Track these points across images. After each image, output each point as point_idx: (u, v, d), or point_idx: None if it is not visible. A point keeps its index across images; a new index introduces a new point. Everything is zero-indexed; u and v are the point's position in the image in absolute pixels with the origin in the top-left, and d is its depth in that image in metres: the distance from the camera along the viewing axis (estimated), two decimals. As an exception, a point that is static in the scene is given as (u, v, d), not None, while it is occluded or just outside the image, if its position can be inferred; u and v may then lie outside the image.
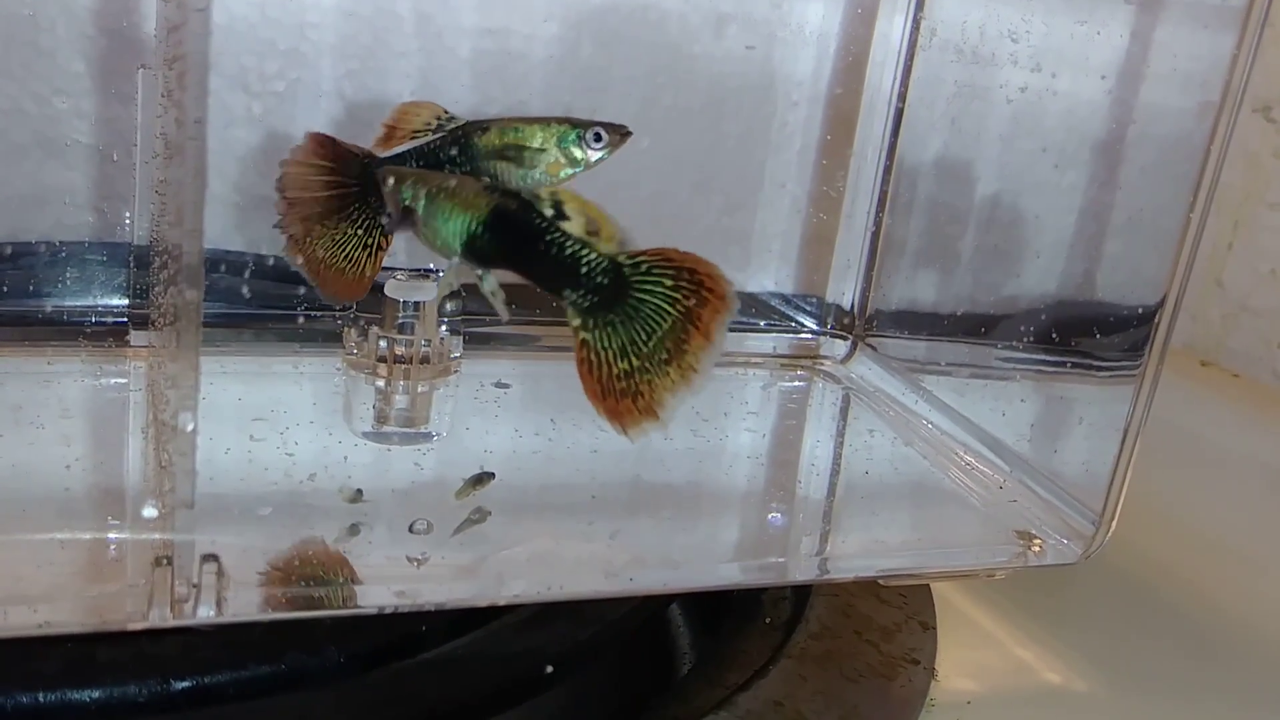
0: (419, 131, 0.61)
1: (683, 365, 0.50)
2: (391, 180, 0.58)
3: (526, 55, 0.72)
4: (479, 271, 0.56)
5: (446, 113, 0.61)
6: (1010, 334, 0.71)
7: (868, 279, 0.82)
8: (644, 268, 0.51)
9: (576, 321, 0.52)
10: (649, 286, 0.51)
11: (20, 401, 0.61)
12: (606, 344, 0.51)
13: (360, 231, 0.60)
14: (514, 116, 0.61)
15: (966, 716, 0.59)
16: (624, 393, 0.51)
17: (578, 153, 0.60)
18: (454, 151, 0.60)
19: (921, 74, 0.78)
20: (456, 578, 0.53)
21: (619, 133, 0.60)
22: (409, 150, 0.61)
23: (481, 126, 0.61)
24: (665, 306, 0.50)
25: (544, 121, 0.60)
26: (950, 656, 0.62)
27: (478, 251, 0.55)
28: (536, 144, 0.60)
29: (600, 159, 0.60)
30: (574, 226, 0.52)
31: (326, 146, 0.60)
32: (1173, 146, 0.61)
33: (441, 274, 0.58)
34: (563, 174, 0.60)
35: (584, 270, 0.51)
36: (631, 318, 0.51)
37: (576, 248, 0.52)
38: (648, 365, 0.50)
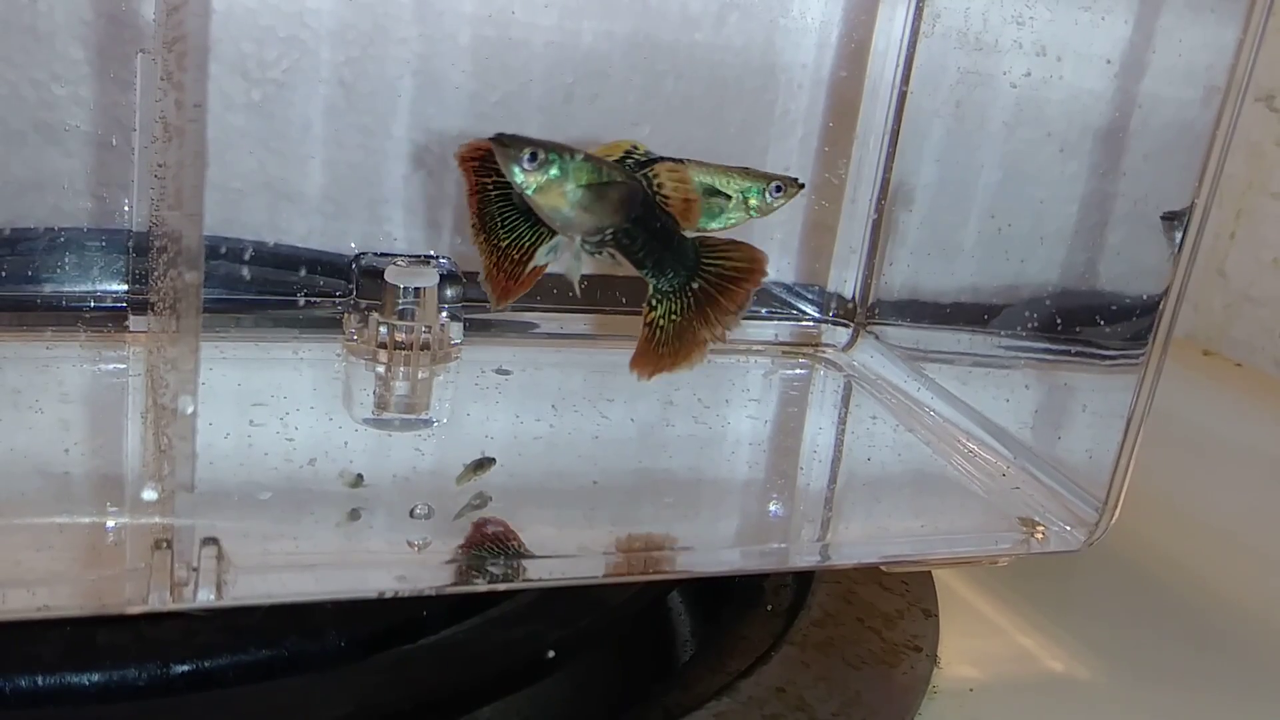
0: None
1: None
2: None
3: (528, 42, 0.72)
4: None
5: (635, 146, 0.62)
6: (1013, 322, 0.71)
7: (870, 266, 0.82)
8: None
9: None
10: None
11: (19, 386, 0.61)
12: None
13: None
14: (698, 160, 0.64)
15: (968, 704, 0.59)
16: None
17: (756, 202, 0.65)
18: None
19: (924, 60, 0.78)
20: (457, 562, 0.53)
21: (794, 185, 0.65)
22: None
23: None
24: None
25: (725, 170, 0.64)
26: (952, 644, 0.62)
27: None
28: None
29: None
30: None
31: None
32: (1176, 134, 0.61)
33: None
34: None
35: None
36: None
37: None
38: None
